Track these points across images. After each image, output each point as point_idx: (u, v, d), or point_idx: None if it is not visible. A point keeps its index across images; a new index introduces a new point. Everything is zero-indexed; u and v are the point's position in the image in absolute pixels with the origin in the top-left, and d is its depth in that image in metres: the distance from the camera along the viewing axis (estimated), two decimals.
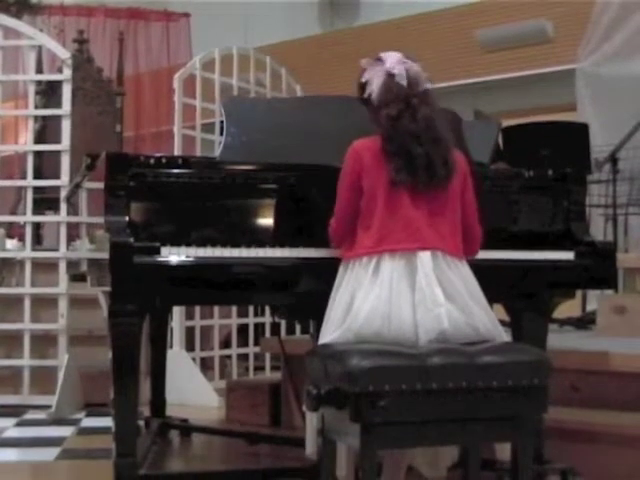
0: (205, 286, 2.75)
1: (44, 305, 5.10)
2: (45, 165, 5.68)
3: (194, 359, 5.45)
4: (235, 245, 2.71)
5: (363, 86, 2.63)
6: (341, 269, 2.54)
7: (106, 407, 4.13)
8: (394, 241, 2.43)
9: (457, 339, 2.37)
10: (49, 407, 4.72)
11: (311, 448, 2.60)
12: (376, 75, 2.59)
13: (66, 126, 5.09)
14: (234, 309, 5.76)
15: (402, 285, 2.39)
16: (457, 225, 2.54)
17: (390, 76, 2.57)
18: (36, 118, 5.63)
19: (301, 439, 2.84)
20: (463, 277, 2.47)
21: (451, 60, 7.77)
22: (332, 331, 2.44)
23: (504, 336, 2.52)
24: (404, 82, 2.55)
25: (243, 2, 9.35)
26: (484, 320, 2.45)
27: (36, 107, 5.50)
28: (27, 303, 5.01)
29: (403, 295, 2.38)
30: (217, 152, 3.06)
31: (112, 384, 2.75)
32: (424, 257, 2.41)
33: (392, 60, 2.59)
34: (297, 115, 3.20)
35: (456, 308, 2.40)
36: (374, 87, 2.58)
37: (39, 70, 5.82)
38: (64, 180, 5.01)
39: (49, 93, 6.01)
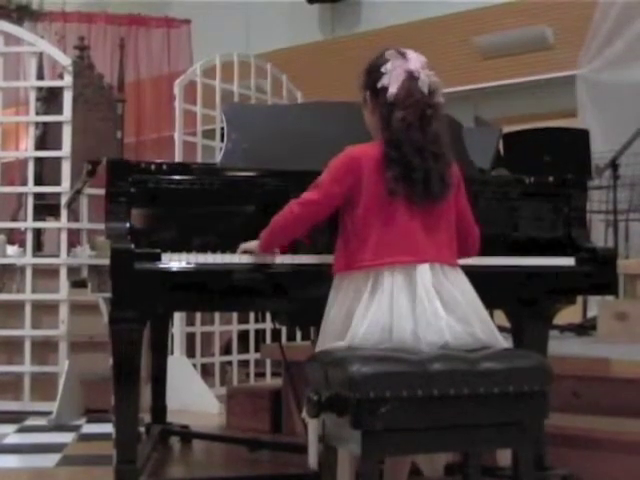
0: (206, 292, 2.75)
1: (45, 311, 5.09)
2: (46, 171, 5.69)
3: (195, 365, 5.45)
4: (236, 251, 2.71)
5: (377, 74, 2.50)
6: (335, 282, 2.51)
7: (107, 413, 4.14)
8: (393, 254, 2.40)
9: (458, 348, 2.37)
10: (50, 413, 4.72)
11: (314, 459, 2.59)
12: (397, 70, 2.48)
13: (67, 132, 5.09)
14: (235, 315, 5.75)
15: (402, 298, 2.37)
16: (452, 235, 2.53)
17: (413, 78, 2.48)
18: (37, 124, 5.63)
19: (302, 446, 2.83)
20: (460, 287, 2.46)
21: (452, 66, 7.77)
22: (330, 342, 2.43)
23: (503, 343, 2.51)
24: (425, 89, 2.48)
25: (244, 9, 9.38)
26: (482, 327, 2.44)
27: (37, 113, 5.50)
28: (28, 309, 5.01)
29: (403, 308, 2.36)
30: (218, 158, 3.06)
31: (113, 390, 2.75)
32: (423, 270, 2.40)
33: (417, 62, 2.50)
34: (298, 121, 3.20)
35: (456, 320, 2.38)
36: (393, 82, 2.46)
37: (40, 76, 5.83)
38: (65, 186, 5.01)
39: (50, 99, 6.03)
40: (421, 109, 2.47)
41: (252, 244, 2.66)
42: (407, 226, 2.43)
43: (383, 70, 2.50)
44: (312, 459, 2.56)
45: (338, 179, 2.49)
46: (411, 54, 2.52)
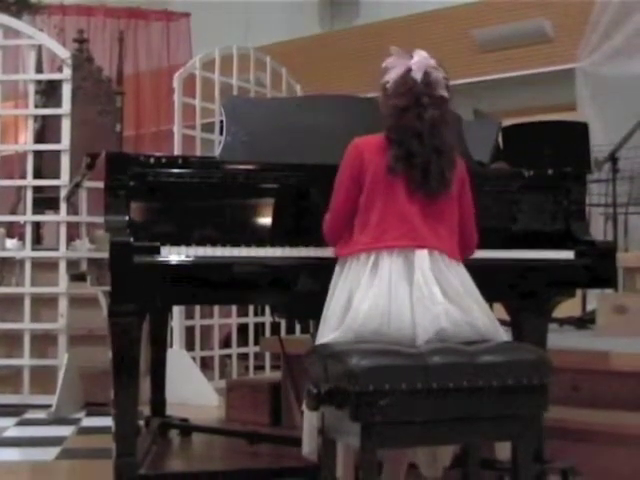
0: (205, 286, 2.75)
1: (44, 305, 5.10)
2: (45, 165, 5.69)
3: (194, 358, 5.46)
4: (235, 245, 2.71)
5: (384, 71, 2.61)
6: (337, 268, 2.53)
7: (106, 406, 4.13)
8: (392, 238, 2.43)
9: (457, 338, 2.36)
10: (49, 407, 4.72)
11: (308, 448, 2.60)
12: (398, 65, 2.56)
13: (66, 126, 5.09)
14: (234, 309, 5.76)
15: (401, 283, 2.39)
16: (454, 229, 2.54)
17: (408, 70, 2.55)
18: (36, 118, 5.63)
19: (301, 439, 2.83)
20: (461, 277, 2.47)
21: (451, 59, 7.73)
22: (331, 330, 2.44)
23: (504, 336, 2.51)
24: (418, 77, 2.52)
25: (243, 2, 9.36)
26: (483, 319, 2.44)
27: (36, 107, 5.50)
28: (27, 303, 5.01)
29: (402, 293, 2.38)
30: (217, 152, 3.06)
31: (112, 383, 2.75)
32: (422, 255, 2.41)
33: (418, 57, 2.56)
34: (297, 115, 3.20)
35: (455, 307, 2.39)
36: (392, 75, 2.56)
37: (39, 70, 5.83)
38: (64, 180, 5.01)
39: (49, 92, 6.01)
40: (415, 97, 2.51)
41: None
42: (406, 211, 2.46)
43: (385, 65, 2.59)
44: (306, 448, 2.58)
45: (351, 176, 2.55)
46: (418, 55, 2.57)
